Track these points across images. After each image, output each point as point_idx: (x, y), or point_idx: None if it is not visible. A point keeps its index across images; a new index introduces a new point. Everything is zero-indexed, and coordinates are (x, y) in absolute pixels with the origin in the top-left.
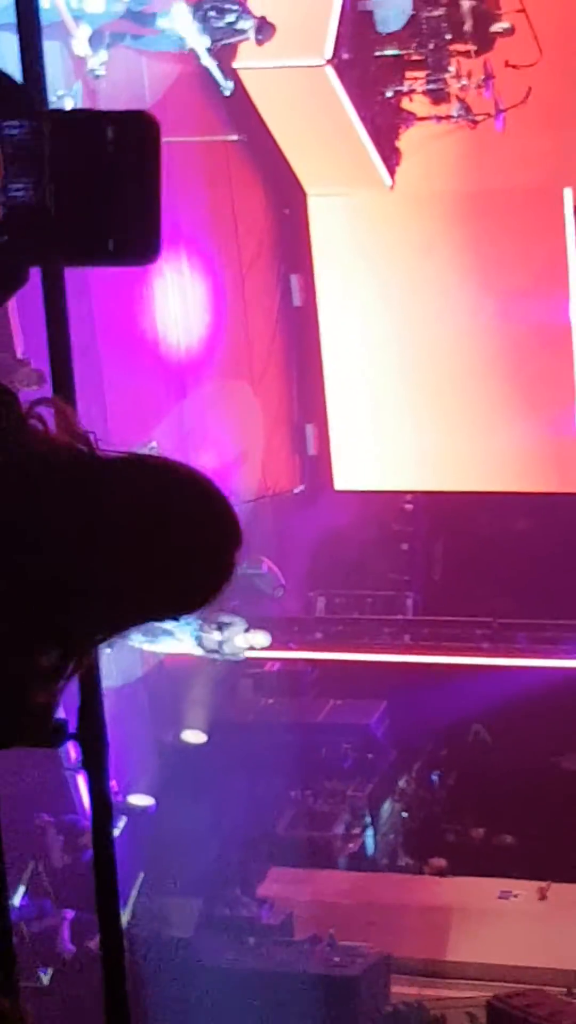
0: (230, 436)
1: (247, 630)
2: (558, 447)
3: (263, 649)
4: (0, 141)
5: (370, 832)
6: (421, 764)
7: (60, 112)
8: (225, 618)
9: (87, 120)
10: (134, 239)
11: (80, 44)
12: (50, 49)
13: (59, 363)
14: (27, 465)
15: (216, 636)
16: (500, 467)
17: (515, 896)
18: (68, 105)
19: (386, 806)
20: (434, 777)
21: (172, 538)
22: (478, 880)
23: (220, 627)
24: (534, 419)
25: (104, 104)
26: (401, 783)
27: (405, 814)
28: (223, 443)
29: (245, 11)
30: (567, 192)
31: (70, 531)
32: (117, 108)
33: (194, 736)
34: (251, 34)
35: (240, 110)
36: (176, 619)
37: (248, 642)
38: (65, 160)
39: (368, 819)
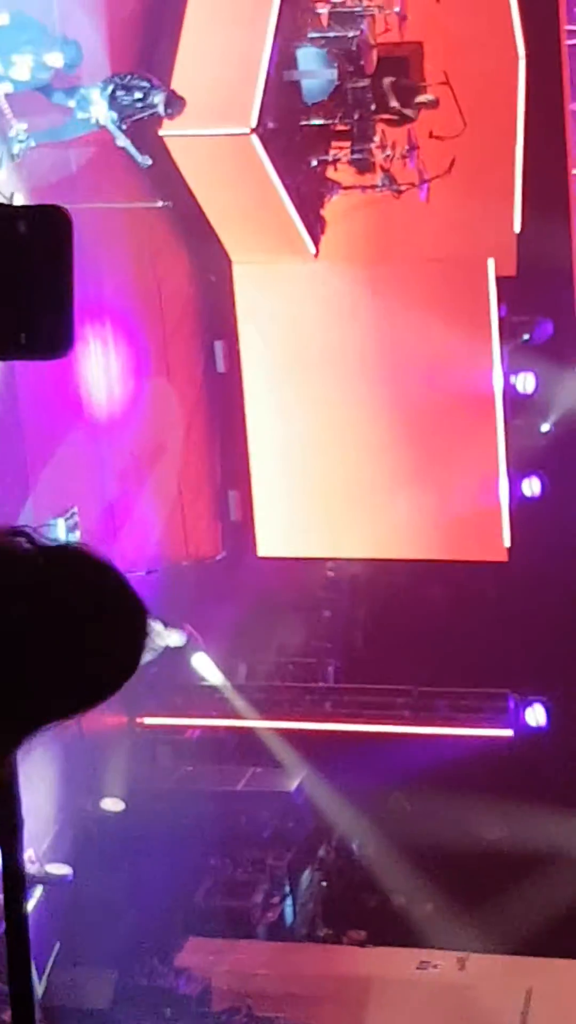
0: (152, 503)
1: (167, 626)
2: (481, 516)
3: (180, 717)
4: None
5: (289, 901)
6: (341, 833)
7: None
8: None
9: None
10: (47, 332)
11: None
12: None
13: None
14: None
15: None
16: (423, 535)
17: (434, 967)
18: None
19: (306, 875)
20: (354, 846)
21: (88, 642)
22: (397, 950)
23: None
24: (457, 488)
25: (28, 169)
26: (321, 852)
27: (325, 883)
28: (145, 510)
29: (154, 86)
30: (490, 262)
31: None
32: (41, 173)
33: (113, 804)
34: (160, 109)
35: (165, 177)
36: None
37: (165, 640)
38: None
39: (287, 888)
